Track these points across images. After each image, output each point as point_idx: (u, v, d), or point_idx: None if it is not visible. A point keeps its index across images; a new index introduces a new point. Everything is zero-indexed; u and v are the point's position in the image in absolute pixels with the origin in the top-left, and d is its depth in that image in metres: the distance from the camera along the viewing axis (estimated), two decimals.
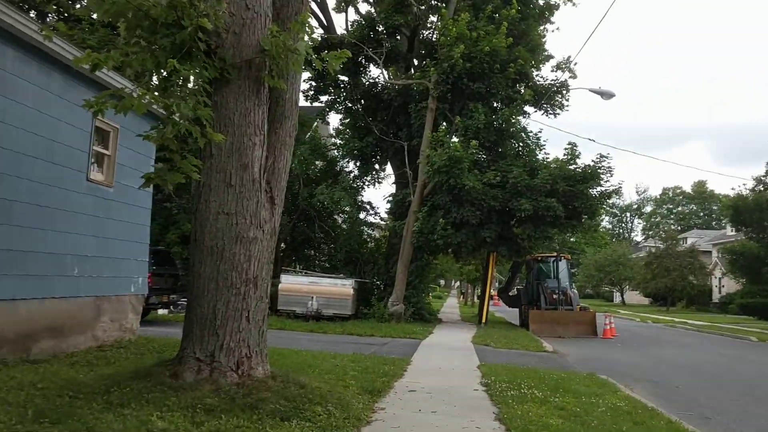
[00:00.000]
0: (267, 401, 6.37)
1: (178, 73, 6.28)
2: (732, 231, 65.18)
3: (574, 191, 21.58)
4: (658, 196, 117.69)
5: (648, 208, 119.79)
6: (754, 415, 9.84)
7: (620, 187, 21.88)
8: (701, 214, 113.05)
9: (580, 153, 22.13)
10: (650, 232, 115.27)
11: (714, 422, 9.03)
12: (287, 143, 7.62)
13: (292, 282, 21.98)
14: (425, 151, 21.75)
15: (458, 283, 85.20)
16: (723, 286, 62.35)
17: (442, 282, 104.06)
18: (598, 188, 22.03)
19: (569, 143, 22.30)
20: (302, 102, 26.89)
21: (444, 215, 21.88)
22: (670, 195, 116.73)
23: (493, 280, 30.29)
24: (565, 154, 22.41)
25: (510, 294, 32.49)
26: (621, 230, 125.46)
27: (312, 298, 21.44)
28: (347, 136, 25.13)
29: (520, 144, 23.89)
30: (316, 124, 30.71)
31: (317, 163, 26.23)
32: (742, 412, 10.10)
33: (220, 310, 6.83)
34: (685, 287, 58.45)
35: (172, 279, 19.63)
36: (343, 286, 21.86)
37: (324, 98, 25.10)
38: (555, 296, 25.93)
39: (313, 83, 24.76)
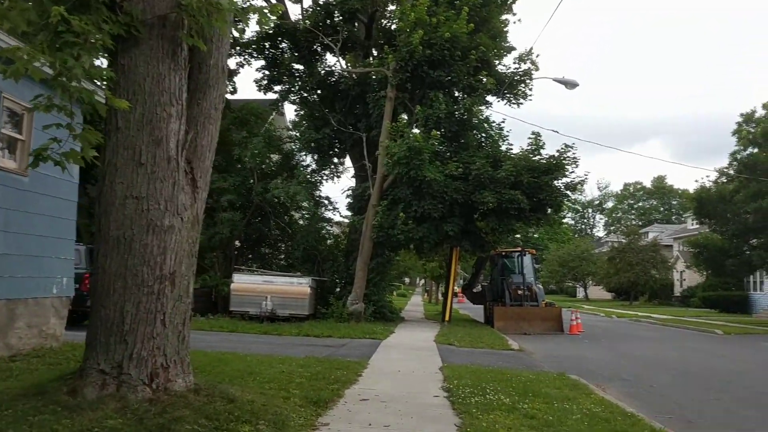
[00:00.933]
0: (183, 421, 5.29)
1: (69, 26, 5.13)
2: (693, 224, 65.76)
3: (539, 183, 20.79)
4: (619, 192, 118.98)
5: (609, 204, 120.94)
6: (738, 417, 9.07)
7: (586, 178, 21.27)
8: (661, 208, 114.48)
9: (544, 143, 21.39)
10: (612, 227, 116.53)
11: (699, 426, 8.21)
12: (212, 117, 6.52)
13: (245, 281, 20.78)
14: (384, 142, 20.74)
15: (423, 281, 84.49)
16: (684, 279, 62.77)
17: (407, 280, 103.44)
18: (564, 179, 21.28)
19: (533, 133, 21.55)
20: (255, 93, 25.74)
21: (405, 209, 20.91)
22: (631, 190, 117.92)
23: (457, 277, 29.44)
24: (529, 145, 21.63)
25: (474, 290, 31.70)
26: (583, 226, 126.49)
27: (266, 298, 20.28)
28: (303, 127, 23.94)
29: (483, 135, 23.06)
30: (272, 116, 29.53)
31: (272, 156, 25.03)
32: (725, 413, 9.33)
33: (129, 313, 5.72)
34: (648, 281, 58.60)
35: None
36: (300, 285, 20.74)
37: (278, 88, 23.88)
38: (520, 292, 25.24)
39: (266, 72, 23.51)
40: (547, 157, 21.41)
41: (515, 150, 22.38)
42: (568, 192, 21.53)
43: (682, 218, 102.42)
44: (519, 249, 28.08)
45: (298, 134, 24.21)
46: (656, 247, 61.07)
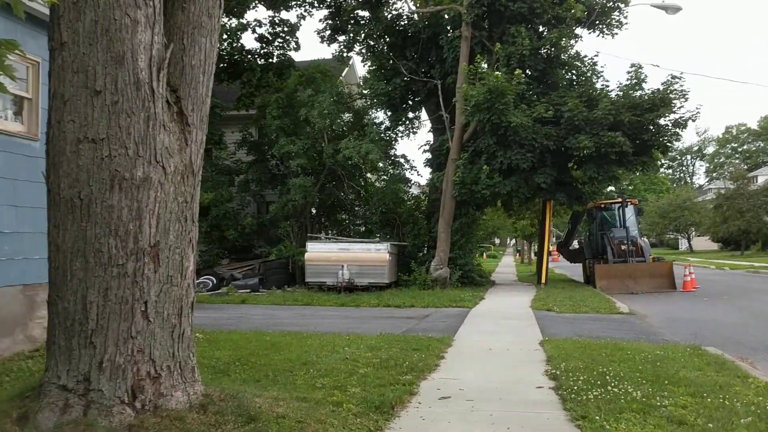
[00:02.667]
0: None
1: None
2: None
3: (642, 122, 18.05)
4: (721, 136, 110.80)
5: (710, 149, 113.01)
6: None
7: (698, 113, 18.26)
8: None
9: (646, 76, 18.53)
10: (714, 174, 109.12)
11: None
12: (205, 26, 4.66)
13: (319, 250, 19.27)
14: (462, 87, 18.49)
15: (513, 241, 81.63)
16: None
17: (497, 241, 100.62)
18: (671, 116, 18.41)
19: (632, 65, 18.72)
20: (319, 46, 23.83)
21: (488, 161, 18.70)
22: (734, 133, 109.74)
23: (551, 234, 26.92)
24: (628, 79, 18.80)
25: (571, 248, 29.18)
26: (682, 174, 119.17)
27: (342, 267, 18.69)
28: (373, 80, 21.95)
29: (574, 72, 20.37)
30: (344, 73, 27.70)
31: (343, 115, 23.26)
32: None
33: (95, 304, 4.05)
34: (761, 228, 53.74)
35: None
36: (378, 251, 19.02)
37: (342, 38, 21.91)
38: (624, 247, 22.61)
39: (329, 21, 21.56)
40: (650, 92, 18.58)
41: (612, 88, 19.66)
42: (677, 130, 18.64)
43: None
44: (619, 200, 25.31)
45: (367, 89, 22.24)
46: None
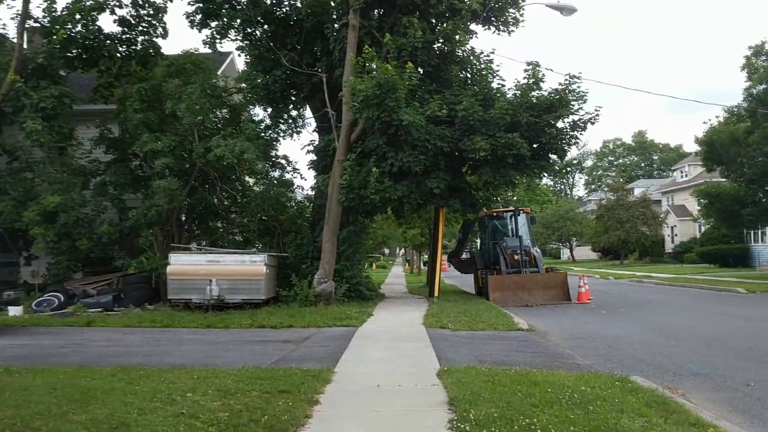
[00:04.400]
0: None
1: None
2: (684, 176, 62.91)
3: (540, 123, 16.92)
4: (599, 149, 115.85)
5: (589, 162, 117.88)
6: None
7: (597, 115, 17.30)
8: (642, 164, 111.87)
9: (544, 75, 17.37)
10: (593, 186, 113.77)
11: None
12: None
13: (184, 263, 16.76)
14: (349, 80, 16.62)
15: (403, 251, 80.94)
16: (676, 235, 59.98)
17: (386, 251, 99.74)
18: (569, 118, 17.37)
19: (529, 63, 17.53)
20: (188, 29, 21.26)
21: (378, 163, 16.93)
22: (611, 147, 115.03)
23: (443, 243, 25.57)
24: (525, 77, 17.61)
25: (462, 258, 28.00)
26: (562, 186, 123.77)
27: (211, 281, 16.30)
28: (250, 72, 19.60)
29: (469, 70, 19.04)
30: (223, 68, 25.21)
31: (218, 112, 20.81)
32: None
33: None
34: (639, 238, 55.63)
35: (8, 269, 14.16)
36: (253, 264, 16.76)
37: (214, 23, 19.43)
38: (517, 257, 21.55)
39: (200, 4, 19.04)
40: (547, 92, 17.48)
41: (509, 87, 18.44)
42: (575, 133, 17.62)
43: (664, 173, 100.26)
44: (512, 208, 24.35)
45: (244, 82, 19.87)
46: (646, 202, 58.22)
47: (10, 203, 18.72)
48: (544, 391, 6.75)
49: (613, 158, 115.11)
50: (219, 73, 23.55)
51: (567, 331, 13.85)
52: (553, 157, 18.15)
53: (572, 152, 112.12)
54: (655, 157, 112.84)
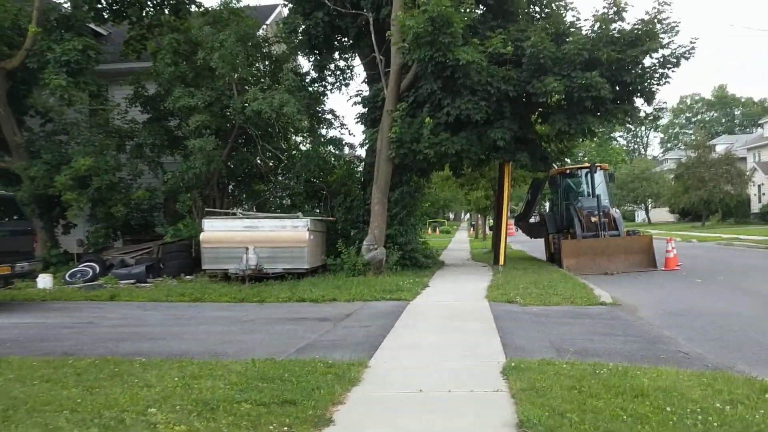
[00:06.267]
0: None
1: None
2: None
3: (624, 59, 14.30)
4: (675, 106, 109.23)
5: (664, 120, 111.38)
6: None
7: (693, 48, 14.51)
8: (723, 121, 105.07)
9: (626, 2, 14.65)
10: (669, 145, 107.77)
11: None
12: None
13: (218, 229, 15.10)
14: (397, 17, 14.39)
15: (468, 215, 78.43)
16: (764, 194, 55.49)
17: (451, 215, 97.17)
18: (658, 53, 14.66)
19: None
20: None
21: (432, 112, 14.75)
22: (688, 103, 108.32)
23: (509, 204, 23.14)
24: (605, 6, 14.92)
25: (531, 221, 25.53)
26: (636, 146, 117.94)
27: (247, 249, 14.61)
28: (289, 16, 17.51)
29: (536, 2, 16.45)
30: (270, 20, 23.31)
31: (258, 65, 18.97)
32: None
33: None
34: (723, 198, 51.46)
35: (21, 239, 12.77)
36: (294, 229, 14.95)
37: None
38: (594, 219, 19.02)
39: None
40: (632, 23, 14.80)
41: (584, 23, 15.77)
42: (665, 71, 14.89)
43: (747, 129, 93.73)
44: (587, 165, 21.71)
45: (283, 28, 17.81)
46: (730, 159, 53.79)
47: (42, 168, 17.51)
48: (657, 409, 4.62)
49: (690, 115, 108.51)
50: (266, 24, 21.72)
51: (660, 305, 11.52)
52: (639, 101, 15.48)
53: (645, 109, 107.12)
54: (737, 113, 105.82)
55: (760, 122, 65.64)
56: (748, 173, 54.74)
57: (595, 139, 19.91)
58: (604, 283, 14.60)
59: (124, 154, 19.06)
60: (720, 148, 64.14)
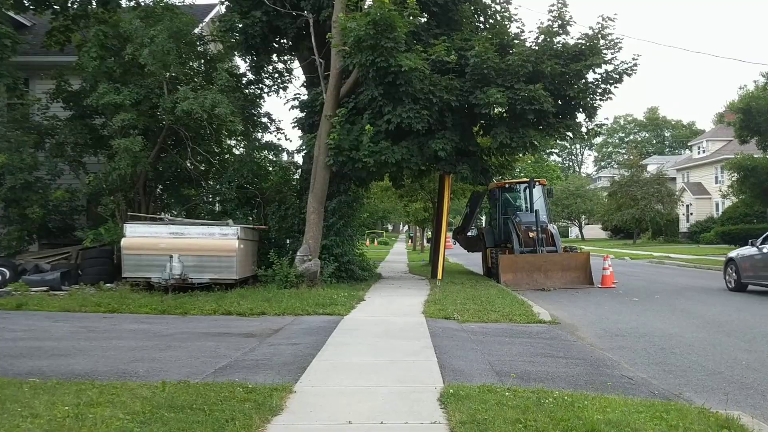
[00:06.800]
0: None
1: None
2: (701, 152, 59.95)
3: (567, 73, 14.15)
4: (609, 125, 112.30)
5: (598, 139, 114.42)
6: None
7: (635, 65, 14.46)
8: (654, 141, 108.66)
9: (571, 17, 14.53)
10: (602, 163, 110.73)
11: None
12: None
13: (141, 235, 14.14)
14: (339, 18, 13.83)
15: (406, 227, 78.34)
16: (692, 213, 57.28)
17: (390, 227, 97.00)
18: (602, 68, 14.54)
19: (553, 2, 14.63)
20: None
21: (373, 119, 14.24)
22: (622, 123, 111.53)
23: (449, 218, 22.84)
24: (550, 19, 14.76)
25: (468, 234, 25.31)
26: (571, 163, 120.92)
27: (172, 257, 13.70)
28: (228, 14, 16.69)
29: (481, 13, 16.19)
30: (208, 18, 22.34)
31: (191, 63, 18.07)
32: None
33: None
34: (654, 217, 52.89)
35: None
36: (223, 237, 14.14)
37: None
38: (532, 234, 18.95)
39: None
40: (576, 38, 14.69)
41: (528, 35, 15.55)
42: (608, 86, 14.80)
43: (676, 150, 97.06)
44: (526, 179, 21.63)
45: (218, 27, 16.94)
46: (661, 179, 55.39)
47: None
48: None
49: (623, 134, 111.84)
50: (205, 22, 20.81)
51: (599, 325, 11.28)
52: (582, 116, 15.35)
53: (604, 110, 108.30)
54: (667, 134, 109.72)
55: (689, 144, 67.92)
56: (677, 193, 56.49)
57: (534, 154, 19.73)
58: (541, 300, 14.37)
59: (42, 152, 17.81)
60: (651, 168, 66.04)
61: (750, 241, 16.38)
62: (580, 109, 15.14)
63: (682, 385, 6.81)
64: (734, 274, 16.61)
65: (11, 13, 18.28)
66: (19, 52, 16.92)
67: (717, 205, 53.08)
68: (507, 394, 5.66)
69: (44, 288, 14.60)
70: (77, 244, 17.37)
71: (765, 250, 15.38)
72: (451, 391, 5.76)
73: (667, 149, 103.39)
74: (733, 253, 17.33)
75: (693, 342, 9.45)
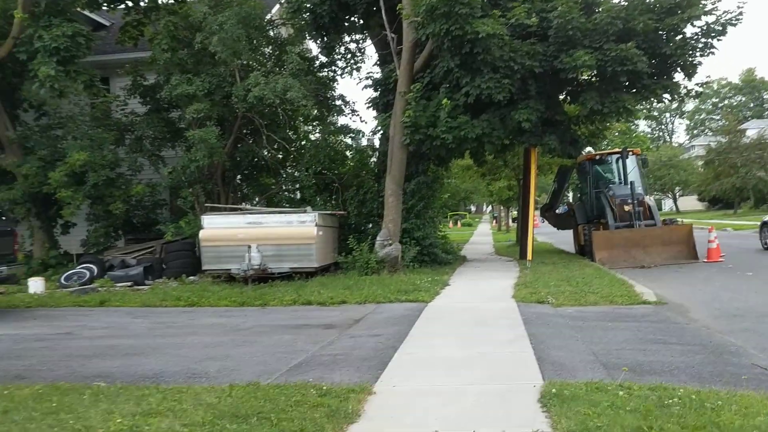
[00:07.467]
0: None
1: None
2: None
3: (662, 28, 12.82)
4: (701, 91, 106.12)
5: (689, 106, 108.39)
6: None
7: (741, 14, 12.95)
8: (752, 105, 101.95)
9: None
10: (695, 131, 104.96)
11: None
12: None
13: (219, 226, 13.91)
14: None
15: (490, 207, 76.81)
16: None
17: (473, 208, 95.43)
18: (701, 20, 13.13)
19: None
20: None
21: (450, 93, 13.40)
22: (715, 88, 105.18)
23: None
24: None
25: (557, 211, 24.04)
26: (661, 133, 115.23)
27: (250, 247, 13.38)
28: None
29: None
30: (277, 7, 21.99)
31: (263, 49, 17.72)
32: None
33: None
34: (756, 184, 49.37)
35: None
36: (301, 225, 13.71)
37: None
38: (628, 208, 17.57)
39: None
40: None
41: None
42: (709, 40, 13.36)
43: None
44: (618, 150, 20.19)
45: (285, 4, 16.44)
46: (763, 144, 51.56)
47: (36, 164, 16.45)
48: None
49: (717, 100, 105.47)
50: (273, 11, 20.44)
51: (712, 304, 10.11)
52: (680, 76, 13.96)
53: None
54: (766, 96, 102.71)
55: None
56: None
57: (629, 119, 18.34)
58: (643, 278, 13.20)
59: (123, 148, 17.97)
60: (751, 133, 61.79)
61: None
62: (678, 68, 13.74)
63: None
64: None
65: (87, 12, 18.44)
66: (97, 51, 17.02)
67: None
68: (621, 393, 4.82)
69: (128, 283, 14.62)
70: (161, 238, 17.44)
71: None
72: (554, 390, 4.96)
73: (767, 113, 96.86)
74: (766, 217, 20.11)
75: None
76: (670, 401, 4.56)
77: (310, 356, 6.99)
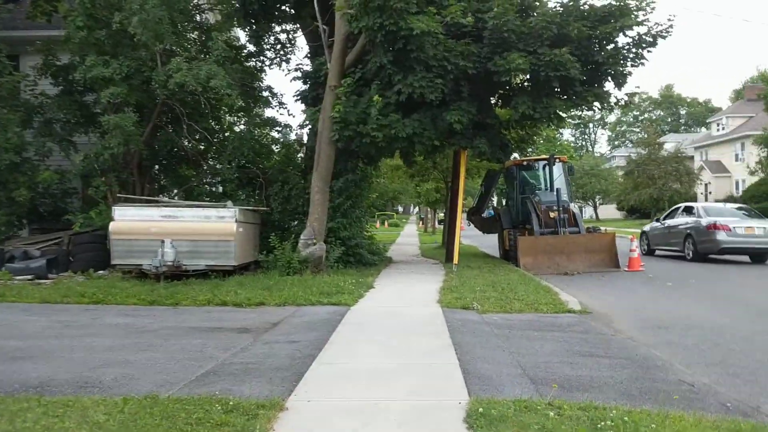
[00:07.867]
0: None
1: None
2: (720, 129, 58.20)
3: (595, 36, 12.82)
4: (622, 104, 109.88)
5: (611, 118, 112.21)
6: None
7: (670, 27, 13.11)
8: (669, 120, 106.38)
9: None
10: (616, 142, 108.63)
11: None
12: None
13: (131, 218, 13.03)
14: None
15: (417, 209, 77.11)
16: (710, 192, 55.72)
17: (400, 209, 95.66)
18: (633, 30, 13.21)
19: None
20: None
21: (382, 90, 12.98)
22: (636, 101, 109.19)
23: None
24: None
25: (483, 215, 24.08)
26: (584, 143, 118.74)
27: (164, 242, 12.57)
28: None
29: None
30: None
31: (187, 35, 16.86)
32: None
33: None
34: (672, 196, 51.33)
35: None
36: (220, 220, 13.00)
37: None
38: (553, 214, 17.67)
39: None
40: None
41: None
42: (640, 51, 13.46)
43: (692, 129, 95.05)
44: (545, 157, 20.33)
45: None
46: (679, 157, 53.73)
47: None
48: None
49: (638, 113, 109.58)
50: None
51: (636, 315, 10.08)
52: (610, 85, 14.04)
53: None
54: (683, 112, 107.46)
55: (708, 121, 66.19)
56: (696, 171, 54.92)
57: (559, 126, 18.44)
58: (566, 286, 13.18)
59: (31, 131, 16.70)
60: (669, 146, 64.33)
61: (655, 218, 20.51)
62: (609, 77, 13.80)
63: (756, 393, 5.65)
64: (645, 242, 22.80)
65: None
66: (5, 26, 15.75)
67: (737, 183, 51.57)
68: (551, 413, 4.51)
69: (29, 277, 13.53)
70: (70, 229, 16.31)
71: (665, 224, 21.48)
72: (480, 409, 4.60)
73: (683, 128, 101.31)
74: (645, 227, 23.90)
75: (751, 336, 8.24)
76: (603, 424, 4.27)
77: (220, 364, 6.41)
